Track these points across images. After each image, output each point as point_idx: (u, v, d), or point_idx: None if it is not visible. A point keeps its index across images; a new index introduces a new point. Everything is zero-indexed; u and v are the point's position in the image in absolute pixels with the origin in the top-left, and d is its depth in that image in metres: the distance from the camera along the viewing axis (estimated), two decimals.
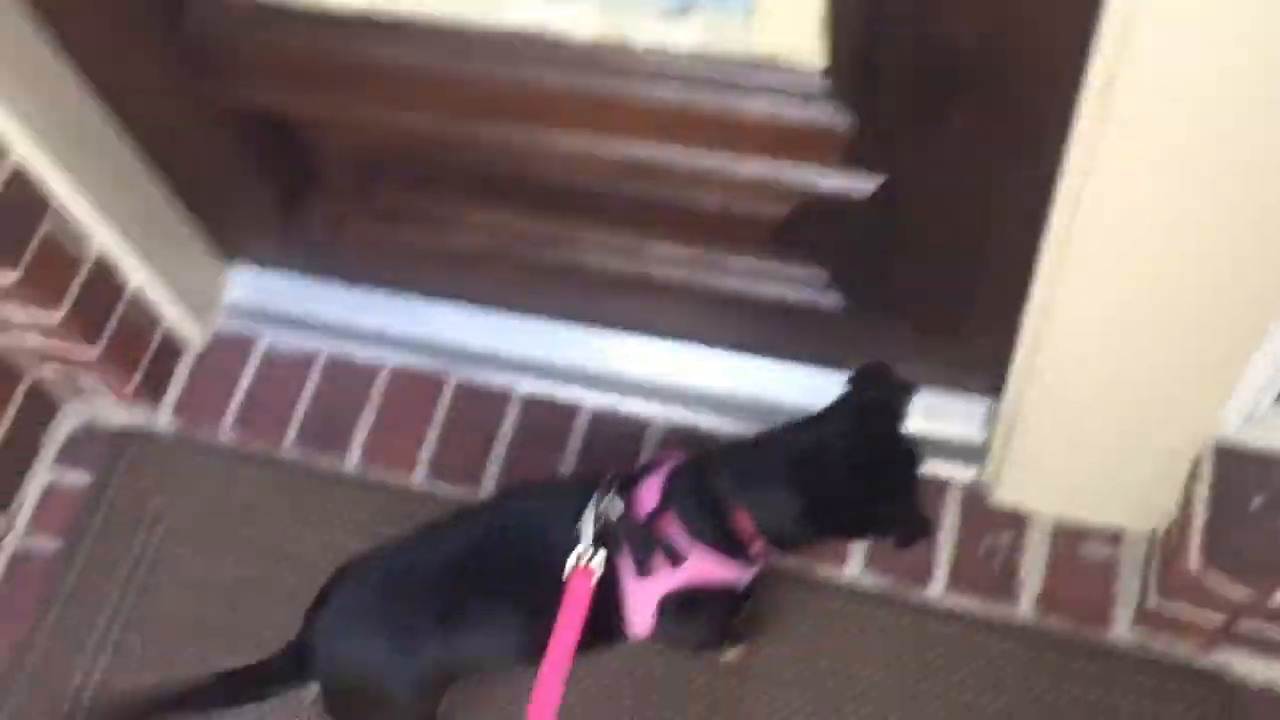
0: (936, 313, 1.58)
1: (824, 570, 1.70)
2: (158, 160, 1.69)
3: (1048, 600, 1.63)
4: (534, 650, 1.31)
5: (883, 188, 1.36)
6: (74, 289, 1.68)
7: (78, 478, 1.92)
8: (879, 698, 1.61)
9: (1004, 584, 1.65)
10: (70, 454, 1.94)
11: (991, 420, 1.68)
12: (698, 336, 1.77)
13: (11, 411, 1.84)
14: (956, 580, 1.66)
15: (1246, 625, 1.48)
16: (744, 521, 1.29)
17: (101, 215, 1.64)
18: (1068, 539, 1.66)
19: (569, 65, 1.31)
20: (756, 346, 1.76)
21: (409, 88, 1.41)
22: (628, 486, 1.33)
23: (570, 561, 1.28)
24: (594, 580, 1.28)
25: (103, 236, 1.68)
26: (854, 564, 1.69)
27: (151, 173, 1.71)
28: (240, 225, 1.83)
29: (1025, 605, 1.64)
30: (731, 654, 1.62)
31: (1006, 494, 1.67)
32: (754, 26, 1.18)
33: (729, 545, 1.31)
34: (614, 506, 1.30)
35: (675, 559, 1.30)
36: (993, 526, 1.68)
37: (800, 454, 1.28)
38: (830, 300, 1.60)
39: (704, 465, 1.33)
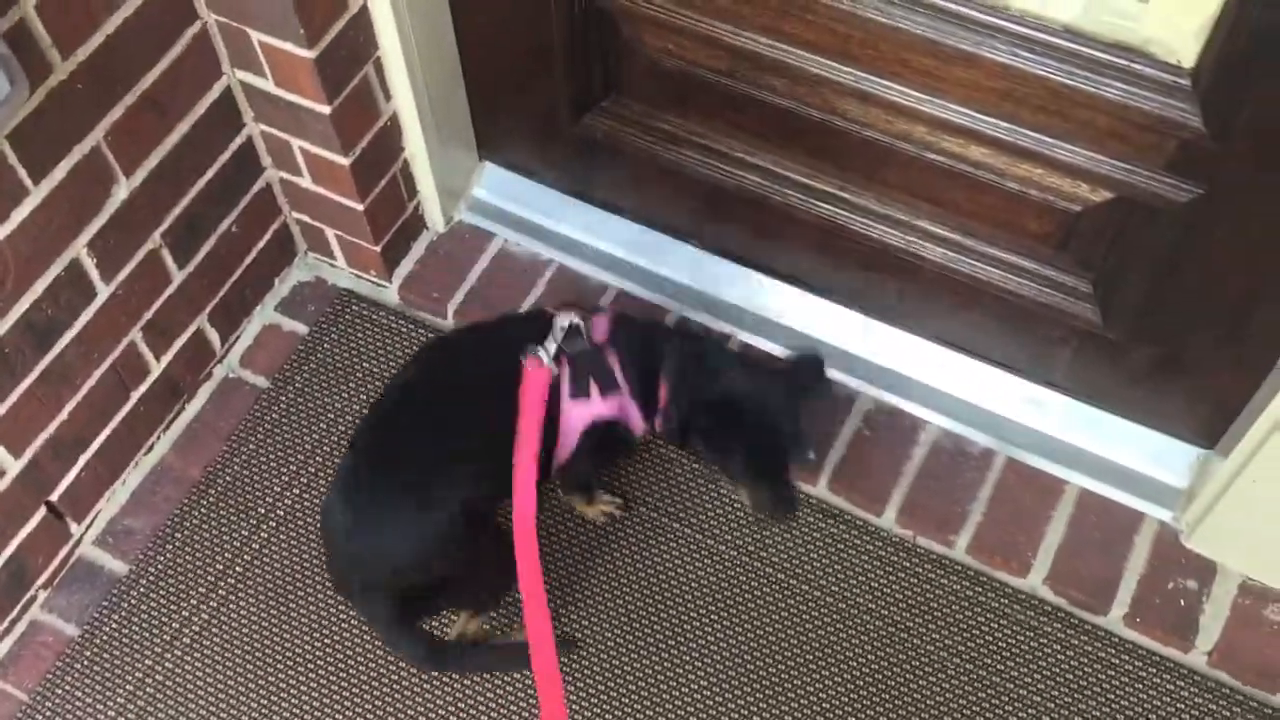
0: (1187, 351, 1.61)
1: (1005, 575, 1.72)
2: (471, 36, 1.76)
3: (1223, 653, 1.65)
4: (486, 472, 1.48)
5: (1194, 202, 1.40)
6: (365, 140, 1.75)
7: (296, 326, 1.98)
8: (1032, 705, 1.63)
9: (1183, 628, 1.67)
10: (293, 304, 2.00)
11: (1203, 469, 1.70)
12: (927, 327, 1.81)
13: (258, 248, 1.91)
14: (1136, 613, 1.68)
15: None
16: (663, 393, 1.50)
17: (409, 74, 1.71)
18: (1254, 598, 1.67)
19: (937, 16, 1.36)
20: (984, 349, 1.80)
21: (760, 3, 1.47)
22: (585, 316, 1.51)
23: (530, 356, 1.44)
24: (547, 380, 1.44)
25: (402, 97, 1.75)
26: (1035, 575, 1.71)
27: (461, 48, 1.78)
28: (516, 122, 1.90)
29: (1199, 652, 1.66)
30: (598, 507, 1.74)
31: (1201, 543, 1.69)
32: (1140, 12, 1.23)
33: (646, 400, 1.50)
34: (581, 323, 1.49)
35: (608, 388, 1.48)
36: (1179, 570, 1.70)
37: (732, 389, 1.49)
38: (1086, 313, 1.63)
39: (656, 331, 1.58)
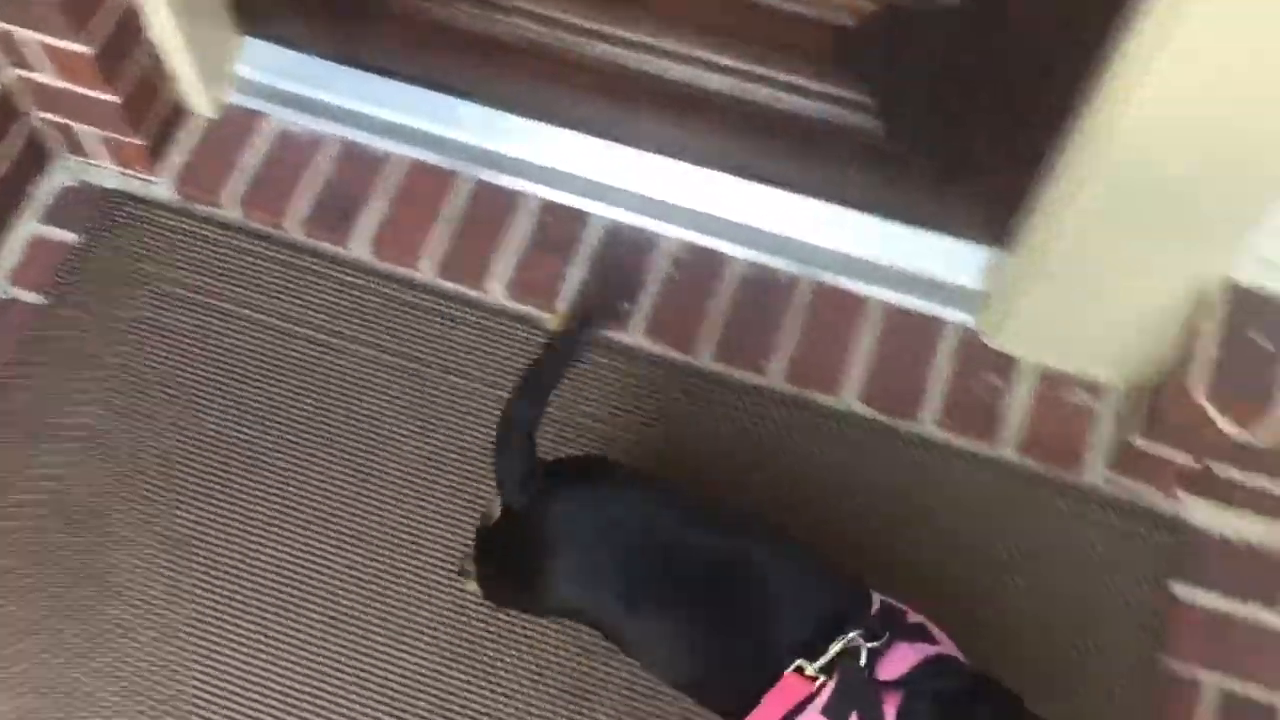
0: (969, 154, 1.64)
1: (820, 396, 1.76)
2: None
3: (1031, 441, 1.73)
4: (680, 681, 1.34)
5: (962, 3, 1.40)
6: (108, 24, 1.62)
7: (65, 235, 1.86)
8: (863, 518, 1.69)
9: (991, 422, 1.74)
10: (59, 211, 1.87)
11: (995, 269, 1.76)
12: (723, 160, 1.80)
13: (9, 158, 1.76)
14: (945, 416, 1.74)
15: (1219, 470, 1.60)
16: None
17: None
18: (1054, 385, 1.75)
19: None
20: (779, 176, 1.80)
21: None
22: (887, 632, 1.23)
23: (798, 664, 1.21)
24: (803, 695, 1.20)
25: None
26: (849, 393, 1.76)
27: None
28: None
29: (1007, 444, 1.73)
30: None
31: (999, 340, 1.76)
32: None
33: None
34: (866, 650, 1.21)
35: None
36: (983, 369, 1.77)
37: None
38: (869, 127, 1.64)
39: (973, 691, 1.21)
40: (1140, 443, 1.64)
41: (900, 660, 1.21)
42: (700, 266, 1.83)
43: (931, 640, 1.25)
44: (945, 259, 1.79)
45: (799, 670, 1.19)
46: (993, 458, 1.73)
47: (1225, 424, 1.48)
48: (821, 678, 1.19)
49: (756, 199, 1.83)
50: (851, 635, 1.20)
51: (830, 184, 1.78)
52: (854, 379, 1.76)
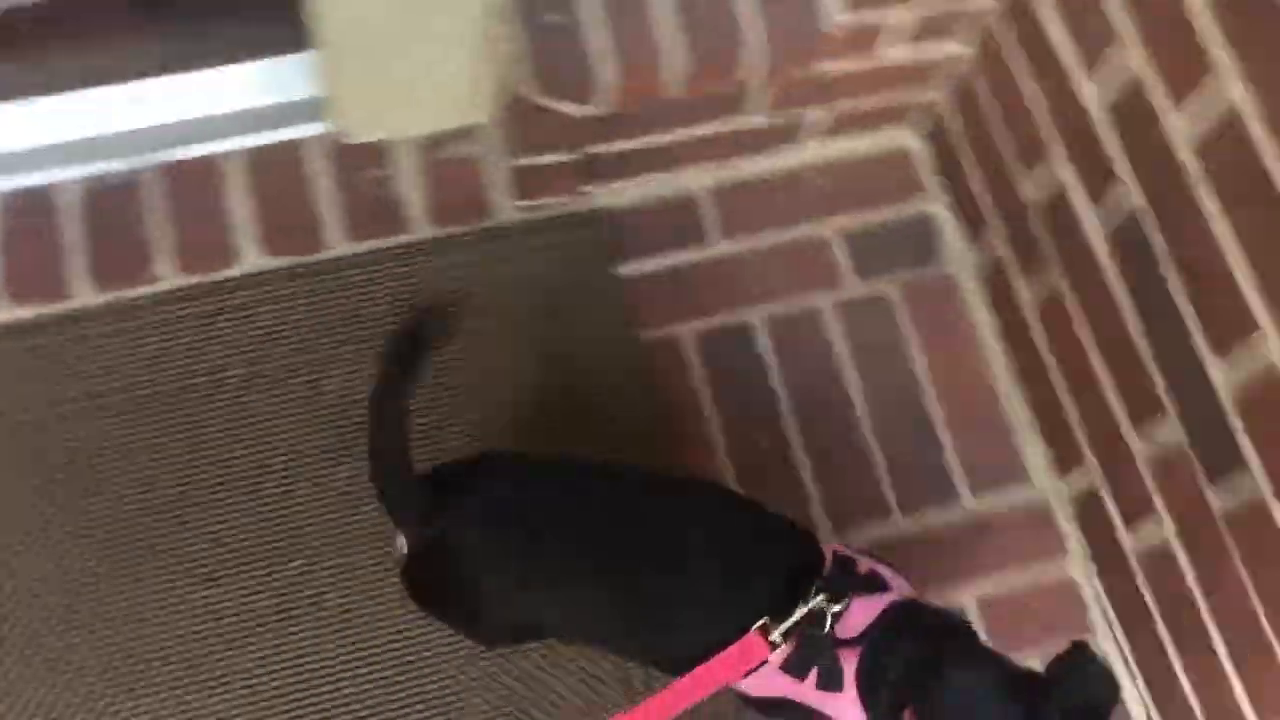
0: None
1: (222, 273, 1.66)
2: None
3: (437, 211, 1.72)
4: (629, 647, 1.31)
5: None
6: None
7: None
8: (329, 366, 1.64)
9: (394, 214, 1.71)
10: None
11: (316, 69, 1.69)
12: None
13: None
14: (354, 227, 1.70)
15: (597, 150, 1.66)
16: None
17: None
18: (429, 151, 1.74)
19: None
20: (66, 79, 1.63)
21: None
22: (848, 587, 1.20)
23: (762, 623, 1.18)
24: (759, 660, 1.17)
25: None
26: (248, 255, 1.67)
27: None
28: None
29: (421, 224, 1.72)
30: None
31: (359, 133, 1.71)
32: None
33: (886, 715, 1.18)
34: (829, 612, 1.18)
35: (829, 685, 1.19)
36: (362, 167, 1.72)
37: None
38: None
39: (930, 636, 1.18)
40: (525, 162, 1.68)
41: (859, 617, 1.20)
42: (34, 207, 1.65)
43: (884, 588, 1.24)
44: (270, 82, 1.71)
45: (763, 630, 1.18)
46: (415, 242, 1.72)
47: (570, 108, 1.52)
48: (781, 642, 1.18)
49: (55, 111, 1.65)
50: (817, 601, 1.18)
51: (119, 63, 1.63)
52: (249, 238, 1.68)
